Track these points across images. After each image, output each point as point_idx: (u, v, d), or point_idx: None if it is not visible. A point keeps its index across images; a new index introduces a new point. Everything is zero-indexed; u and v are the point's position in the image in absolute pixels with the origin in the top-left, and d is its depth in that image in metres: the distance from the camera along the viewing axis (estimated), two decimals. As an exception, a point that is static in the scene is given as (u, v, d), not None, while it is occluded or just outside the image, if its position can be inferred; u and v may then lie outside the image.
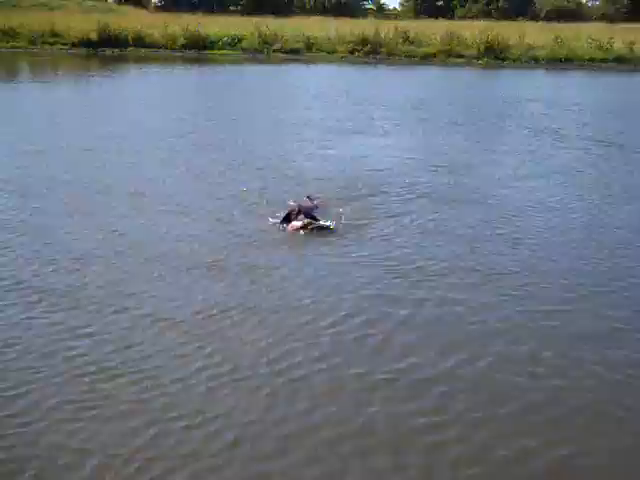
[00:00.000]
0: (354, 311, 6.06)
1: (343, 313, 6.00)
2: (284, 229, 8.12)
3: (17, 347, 5.24)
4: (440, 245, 7.86)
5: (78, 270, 6.79)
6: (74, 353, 5.21)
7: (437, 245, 7.86)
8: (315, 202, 9.15)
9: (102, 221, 8.39)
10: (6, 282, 6.44)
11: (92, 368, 5.00)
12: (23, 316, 5.79)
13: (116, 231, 8.01)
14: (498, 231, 8.48)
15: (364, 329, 5.75)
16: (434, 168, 11.66)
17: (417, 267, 7.10)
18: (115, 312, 5.89)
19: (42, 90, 21.45)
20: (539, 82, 28.61)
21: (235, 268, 6.94)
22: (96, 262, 7.01)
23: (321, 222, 8.13)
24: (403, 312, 6.09)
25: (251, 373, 5.01)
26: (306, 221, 8.00)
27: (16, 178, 10.37)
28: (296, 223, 8.03)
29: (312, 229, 7.99)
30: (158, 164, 11.60)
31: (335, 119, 16.62)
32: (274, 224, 8.26)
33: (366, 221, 8.63)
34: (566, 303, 6.41)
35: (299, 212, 8.20)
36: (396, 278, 6.87)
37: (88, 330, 5.57)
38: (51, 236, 7.75)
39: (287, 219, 8.22)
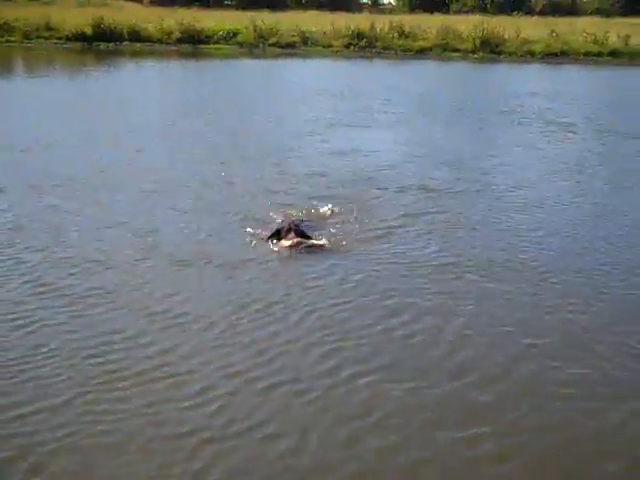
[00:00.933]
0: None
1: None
2: (274, 245, 7.48)
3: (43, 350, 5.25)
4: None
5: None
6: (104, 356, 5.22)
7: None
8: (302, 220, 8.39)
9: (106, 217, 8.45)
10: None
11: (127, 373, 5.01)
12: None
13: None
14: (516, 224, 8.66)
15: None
16: (438, 164, 11.65)
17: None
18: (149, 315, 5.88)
19: (36, 85, 21.39)
20: (536, 76, 28.61)
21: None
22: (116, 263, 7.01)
23: (312, 241, 7.53)
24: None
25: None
26: (295, 240, 7.39)
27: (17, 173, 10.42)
28: (286, 242, 7.42)
29: (302, 248, 7.39)
30: (156, 158, 11.63)
31: (333, 113, 16.67)
32: (262, 241, 7.62)
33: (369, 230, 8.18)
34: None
35: (289, 229, 7.57)
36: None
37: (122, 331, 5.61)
38: (62, 235, 7.75)
39: (276, 236, 7.62)
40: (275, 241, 7.53)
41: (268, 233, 7.70)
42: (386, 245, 7.69)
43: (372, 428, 4.41)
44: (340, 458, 4.13)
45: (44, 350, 5.17)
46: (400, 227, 8.30)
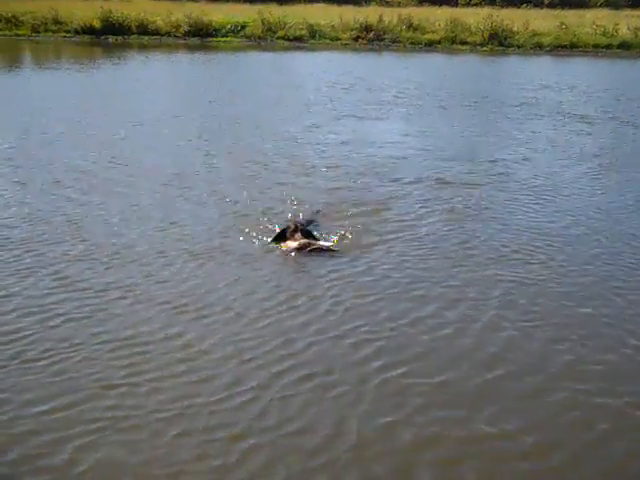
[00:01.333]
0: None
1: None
2: (278, 248, 7.08)
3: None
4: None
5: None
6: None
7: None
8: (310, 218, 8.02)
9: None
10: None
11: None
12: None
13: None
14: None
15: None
16: (455, 156, 11.57)
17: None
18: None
19: (45, 77, 21.34)
20: (547, 68, 28.41)
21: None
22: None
23: (321, 242, 7.09)
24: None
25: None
26: (302, 242, 6.93)
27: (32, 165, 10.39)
28: (291, 243, 6.97)
29: (310, 251, 6.92)
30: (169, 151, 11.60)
31: (343, 105, 16.64)
32: (265, 242, 7.24)
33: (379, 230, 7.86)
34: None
35: (295, 229, 7.12)
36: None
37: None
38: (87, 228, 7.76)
39: (281, 237, 7.17)
40: (280, 242, 7.13)
41: (272, 233, 7.38)
42: (400, 244, 7.38)
43: (406, 421, 4.37)
44: (374, 452, 4.08)
45: (67, 344, 5.14)
46: (416, 221, 8.16)
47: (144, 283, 6.25)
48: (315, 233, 7.38)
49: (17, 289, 5.98)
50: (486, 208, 8.75)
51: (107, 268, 6.55)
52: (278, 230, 7.34)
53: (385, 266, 6.75)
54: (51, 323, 5.43)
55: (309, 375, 4.81)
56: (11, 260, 6.60)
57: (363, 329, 5.49)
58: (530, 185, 9.85)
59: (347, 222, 8.00)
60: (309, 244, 6.90)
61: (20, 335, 5.21)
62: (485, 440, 4.24)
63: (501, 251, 7.25)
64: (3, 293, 5.89)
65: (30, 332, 5.27)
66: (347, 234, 7.56)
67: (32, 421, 4.26)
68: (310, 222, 7.78)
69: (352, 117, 15.06)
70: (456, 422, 4.39)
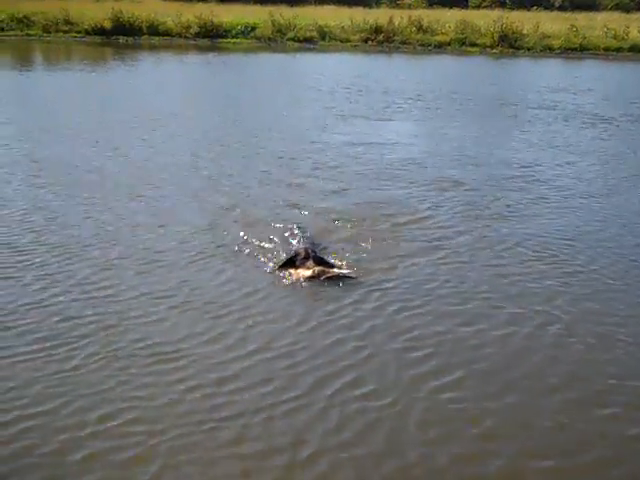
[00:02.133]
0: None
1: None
2: (288, 277, 6.37)
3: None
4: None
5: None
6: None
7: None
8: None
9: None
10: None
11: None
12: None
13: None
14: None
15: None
16: (466, 161, 11.47)
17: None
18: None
19: (56, 77, 21.44)
20: (559, 71, 28.37)
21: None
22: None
23: (336, 270, 6.39)
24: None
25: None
26: (317, 269, 6.28)
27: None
28: (304, 272, 6.29)
29: (325, 279, 6.28)
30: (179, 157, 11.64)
31: (354, 106, 16.68)
32: (274, 270, 6.52)
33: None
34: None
35: (306, 256, 6.43)
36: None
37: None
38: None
39: (290, 264, 6.48)
40: (289, 270, 6.42)
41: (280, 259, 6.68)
42: (424, 263, 6.81)
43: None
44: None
45: (100, 356, 4.97)
46: (438, 233, 7.67)
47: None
48: (328, 258, 6.65)
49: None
50: (513, 213, 8.60)
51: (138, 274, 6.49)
52: (286, 256, 6.65)
53: (410, 292, 6.17)
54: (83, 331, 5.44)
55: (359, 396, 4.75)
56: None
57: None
58: (556, 187, 9.82)
59: (364, 238, 7.44)
60: (324, 272, 6.27)
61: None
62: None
63: (540, 259, 7.09)
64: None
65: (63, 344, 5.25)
66: (364, 254, 6.97)
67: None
68: (317, 244, 7.10)
69: (363, 118, 15.07)
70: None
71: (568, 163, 11.24)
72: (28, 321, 5.32)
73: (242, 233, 7.46)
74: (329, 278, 6.24)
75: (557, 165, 11.12)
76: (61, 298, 5.76)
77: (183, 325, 5.44)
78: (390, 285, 6.30)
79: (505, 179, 10.18)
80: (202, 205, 8.53)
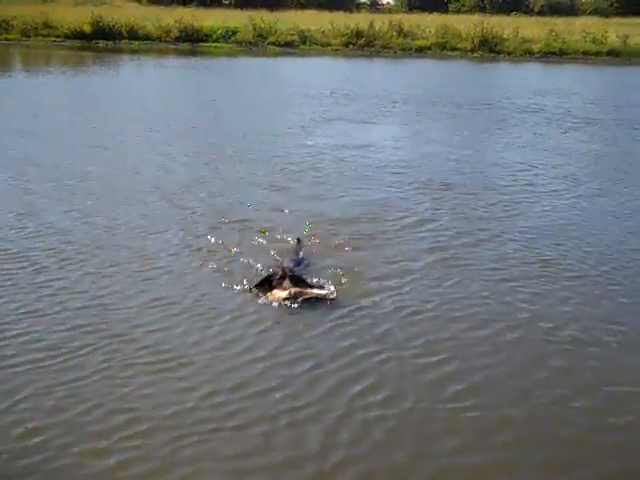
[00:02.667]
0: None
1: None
2: (263, 298, 5.80)
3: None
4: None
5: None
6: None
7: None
8: (301, 255, 6.81)
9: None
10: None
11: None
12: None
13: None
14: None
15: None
16: (453, 164, 11.36)
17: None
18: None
19: (35, 81, 21.29)
20: (539, 74, 28.68)
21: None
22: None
23: (314, 290, 5.84)
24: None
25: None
26: (293, 290, 5.75)
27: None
28: (279, 293, 5.76)
29: (303, 300, 5.71)
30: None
31: (336, 110, 16.65)
32: (248, 290, 5.96)
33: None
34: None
35: (283, 276, 5.92)
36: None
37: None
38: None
39: (266, 284, 5.95)
40: (264, 292, 5.87)
41: (256, 278, 6.10)
42: (415, 280, 6.30)
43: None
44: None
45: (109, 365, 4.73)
46: (428, 244, 7.26)
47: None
48: (306, 279, 6.04)
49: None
50: (506, 215, 8.46)
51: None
52: (262, 276, 6.10)
53: (396, 315, 5.60)
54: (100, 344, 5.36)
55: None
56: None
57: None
58: (550, 189, 9.77)
59: (347, 253, 6.95)
60: (300, 293, 5.73)
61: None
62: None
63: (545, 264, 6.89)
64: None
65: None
66: (346, 273, 6.35)
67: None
68: (299, 261, 6.62)
69: (345, 122, 15.04)
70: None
71: (557, 165, 11.23)
72: (34, 329, 5.15)
73: (217, 241, 7.13)
74: (307, 300, 5.69)
75: (546, 167, 11.11)
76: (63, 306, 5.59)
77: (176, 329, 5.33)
78: (371, 307, 5.72)
79: (494, 182, 10.13)
80: (178, 211, 8.23)
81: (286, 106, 17.16)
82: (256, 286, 5.93)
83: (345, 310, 5.64)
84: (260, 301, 5.74)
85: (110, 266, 6.38)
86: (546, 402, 4.48)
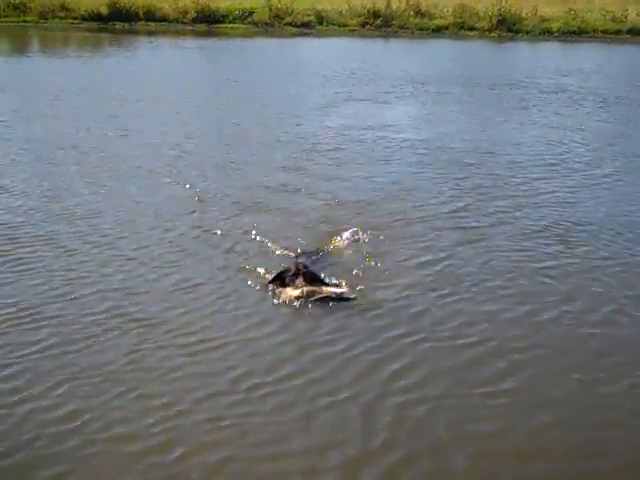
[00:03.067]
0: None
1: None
2: (275, 296, 5.54)
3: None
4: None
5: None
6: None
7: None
8: (322, 250, 6.52)
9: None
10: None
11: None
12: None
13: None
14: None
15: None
16: (476, 144, 11.34)
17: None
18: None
19: (54, 64, 21.31)
20: (560, 54, 28.28)
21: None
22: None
23: (330, 288, 5.53)
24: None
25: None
26: (306, 289, 5.43)
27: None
28: (292, 292, 5.46)
29: (317, 300, 5.39)
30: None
31: (354, 90, 16.57)
32: (262, 286, 5.71)
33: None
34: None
35: (297, 273, 5.59)
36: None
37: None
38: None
39: (279, 280, 5.67)
40: (278, 288, 5.60)
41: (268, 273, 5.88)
42: (440, 265, 6.09)
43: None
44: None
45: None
46: (454, 236, 6.94)
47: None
48: (323, 276, 5.81)
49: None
50: (530, 197, 8.40)
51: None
52: (276, 272, 5.83)
53: (429, 296, 5.52)
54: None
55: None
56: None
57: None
58: (575, 170, 9.74)
59: (367, 247, 6.66)
60: (314, 292, 5.40)
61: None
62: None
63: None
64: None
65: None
66: (366, 270, 6.07)
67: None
68: (316, 255, 6.38)
69: (368, 102, 15.01)
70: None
71: (581, 145, 11.20)
72: (65, 312, 5.21)
73: (240, 223, 7.13)
74: (320, 299, 5.36)
75: (570, 146, 11.09)
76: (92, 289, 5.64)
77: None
78: (393, 309, 5.41)
79: (516, 161, 10.13)
80: (202, 193, 8.27)
81: (305, 87, 17.11)
82: (270, 282, 5.69)
83: (377, 291, 5.65)
84: (271, 300, 5.47)
85: (136, 249, 6.45)
86: (584, 384, 4.48)
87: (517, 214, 7.66)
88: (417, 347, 4.81)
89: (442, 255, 6.46)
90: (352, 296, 5.45)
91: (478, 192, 8.47)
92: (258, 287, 5.70)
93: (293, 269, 5.65)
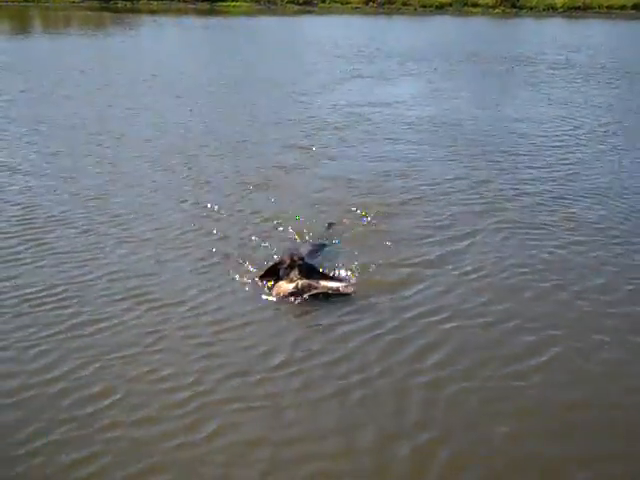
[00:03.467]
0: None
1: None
2: (268, 290, 5.10)
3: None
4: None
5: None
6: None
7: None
8: (326, 238, 6.12)
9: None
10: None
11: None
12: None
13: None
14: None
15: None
16: (489, 120, 11.35)
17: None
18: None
19: (57, 43, 21.24)
20: (566, 30, 28.16)
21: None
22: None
23: (327, 283, 5.05)
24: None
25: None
26: (301, 283, 4.97)
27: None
28: (286, 286, 5.00)
29: (312, 296, 4.94)
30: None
31: (374, 69, 16.52)
32: (254, 280, 5.26)
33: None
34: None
35: (291, 265, 5.11)
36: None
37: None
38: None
39: (272, 274, 5.19)
40: (271, 282, 5.14)
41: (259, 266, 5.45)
42: (449, 268, 5.61)
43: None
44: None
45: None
46: (459, 226, 6.52)
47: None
48: (322, 268, 5.38)
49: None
50: (545, 174, 8.27)
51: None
52: (269, 264, 5.36)
53: (460, 281, 5.28)
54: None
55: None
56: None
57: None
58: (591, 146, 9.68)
59: (369, 237, 6.25)
60: (310, 287, 4.95)
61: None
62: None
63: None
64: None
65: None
66: (369, 260, 5.67)
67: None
68: (318, 246, 5.92)
69: (375, 79, 14.95)
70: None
71: (593, 119, 11.17)
72: (82, 299, 5.18)
73: (251, 204, 7.05)
74: (317, 295, 4.94)
75: (583, 121, 11.08)
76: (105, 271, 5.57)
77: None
78: (414, 288, 5.26)
79: (526, 137, 10.09)
80: (211, 173, 8.22)
81: (311, 64, 17.05)
82: (262, 277, 5.20)
83: (397, 269, 5.58)
84: (263, 295, 5.05)
85: (149, 230, 6.45)
86: (617, 362, 4.39)
87: (532, 189, 7.57)
88: (443, 325, 4.75)
89: (459, 232, 6.37)
90: (350, 291, 5.01)
91: (492, 168, 8.38)
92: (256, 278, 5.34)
93: (288, 261, 5.14)
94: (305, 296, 4.91)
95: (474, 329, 4.74)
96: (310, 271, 5.11)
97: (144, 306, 4.99)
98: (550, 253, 5.98)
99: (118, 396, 4.02)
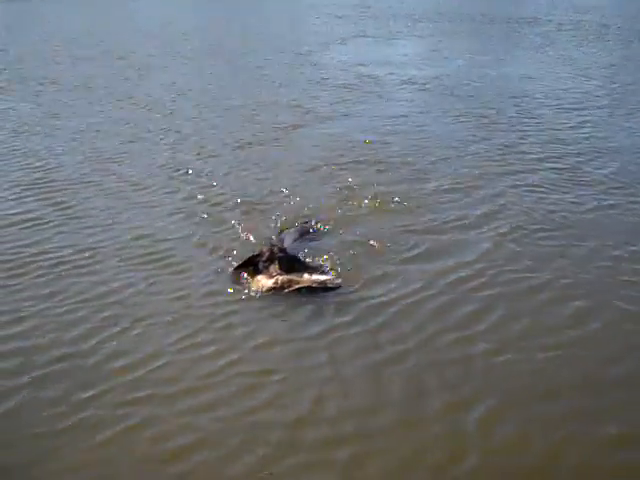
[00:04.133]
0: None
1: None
2: (246, 286, 4.59)
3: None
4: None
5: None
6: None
7: None
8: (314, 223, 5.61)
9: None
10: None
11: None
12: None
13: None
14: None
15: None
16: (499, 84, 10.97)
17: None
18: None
19: (55, 6, 20.87)
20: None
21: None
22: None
23: (310, 276, 4.56)
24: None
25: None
26: (281, 279, 4.52)
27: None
28: (265, 281, 4.55)
29: (295, 291, 4.48)
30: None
31: (365, 30, 16.23)
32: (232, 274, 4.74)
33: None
34: None
35: (271, 257, 4.67)
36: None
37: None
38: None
39: (249, 265, 4.74)
40: (248, 277, 4.66)
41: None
42: (443, 255, 5.05)
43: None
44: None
45: None
46: (455, 210, 5.89)
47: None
48: (305, 259, 4.91)
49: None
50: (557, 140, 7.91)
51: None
52: (246, 256, 4.84)
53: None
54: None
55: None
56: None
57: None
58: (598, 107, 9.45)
59: (358, 222, 5.68)
60: (290, 282, 4.51)
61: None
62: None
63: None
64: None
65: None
66: (357, 247, 5.18)
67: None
68: (303, 233, 5.46)
69: (378, 39, 14.70)
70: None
71: (606, 82, 10.96)
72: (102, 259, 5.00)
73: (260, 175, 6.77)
74: (298, 290, 4.49)
75: (593, 86, 10.77)
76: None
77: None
78: (450, 251, 5.04)
79: (543, 102, 9.80)
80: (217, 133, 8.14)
81: (310, 25, 16.81)
82: (237, 269, 4.75)
83: (427, 234, 5.36)
84: (239, 291, 4.55)
85: (160, 196, 6.25)
86: None
87: (551, 153, 7.32)
88: (486, 291, 4.51)
89: (477, 196, 6.07)
90: (336, 284, 4.55)
91: (504, 130, 8.17)
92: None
93: (267, 253, 4.71)
94: (286, 291, 4.45)
95: (521, 294, 4.50)
96: (292, 262, 4.66)
97: (165, 270, 4.85)
98: (588, 218, 5.71)
99: (152, 366, 3.85)
